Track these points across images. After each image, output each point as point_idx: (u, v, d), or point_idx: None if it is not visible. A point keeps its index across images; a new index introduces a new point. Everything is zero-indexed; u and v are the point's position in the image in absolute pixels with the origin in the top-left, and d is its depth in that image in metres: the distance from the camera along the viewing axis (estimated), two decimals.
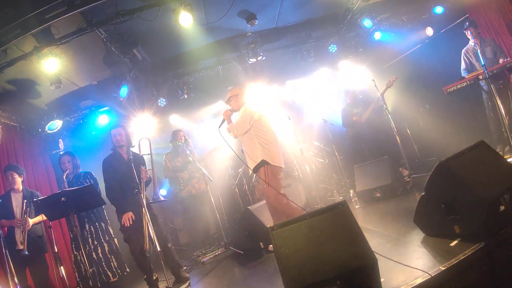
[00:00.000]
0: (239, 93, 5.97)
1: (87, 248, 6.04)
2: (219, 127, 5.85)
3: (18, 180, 5.91)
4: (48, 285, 5.96)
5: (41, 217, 5.83)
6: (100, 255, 6.14)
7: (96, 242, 6.17)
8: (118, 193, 5.40)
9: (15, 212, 5.65)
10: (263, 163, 5.47)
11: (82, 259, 5.91)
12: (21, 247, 5.41)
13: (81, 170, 6.53)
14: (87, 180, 6.26)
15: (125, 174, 5.36)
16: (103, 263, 6.13)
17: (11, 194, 5.79)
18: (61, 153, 7.90)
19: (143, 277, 5.45)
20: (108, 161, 5.58)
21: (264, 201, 6.62)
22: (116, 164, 5.51)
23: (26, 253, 5.36)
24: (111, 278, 6.14)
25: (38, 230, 5.91)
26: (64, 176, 6.17)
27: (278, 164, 5.54)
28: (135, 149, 5.82)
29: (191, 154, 7.64)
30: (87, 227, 6.16)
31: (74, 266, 6.11)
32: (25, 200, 5.72)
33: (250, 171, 5.90)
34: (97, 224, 6.28)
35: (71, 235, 6.22)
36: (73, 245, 6.20)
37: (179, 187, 8.02)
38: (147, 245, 5.05)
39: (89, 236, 6.14)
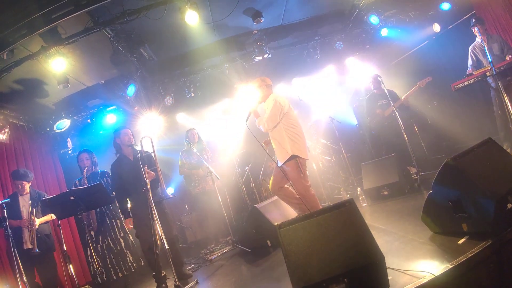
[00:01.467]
0: (262, 84, 5.87)
1: (104, 244, 6.13)
2: (246, 121, 5.80)
3: (27, 186, 6.00)
4: (56, 283, 6.02)
5: (49, 217, 5.93)
6: (115, 251, 6.25)
7: (110, 238, 6.25)
8: (121, 198, 5.56)
9: (22, 212, 5.73)
10: (293, 157, 5.39)
11: (94, 254, 6.01)
12: (29, 246, 5.51)
13: (98, 169, 6.60)
14: (104, 179, 6.34)
15: (130, 175, 5.40)
16: (119, 258, 6.23)
17: (18, 195, 5.87)
18: (69, 151, 7.97)
19: (145, 276, 5.51)
20: (114, 167, 5.71)
21: (271, 199, 6.65)
22: (122, 167, 5.61)
23: (37, 250, 5.45)
24: (125, 272, 6.26)
25: (45, 230, 5.99)
26: (85, 172, 6.25)
27: (306, 157, 5.52)
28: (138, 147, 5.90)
29: (205, 152, 7.86)
30: (104, 224, 6.26)
31: (90, 260, 6.18)
32: (31, 201, 5.80)
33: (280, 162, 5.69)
34: (113, 221, 6.39)
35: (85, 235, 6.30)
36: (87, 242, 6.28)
37: (193, 183, 8.06)
38: (159, 242, 5.09)
39: (105, 232, 6.24)
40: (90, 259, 6.20)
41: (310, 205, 5.28)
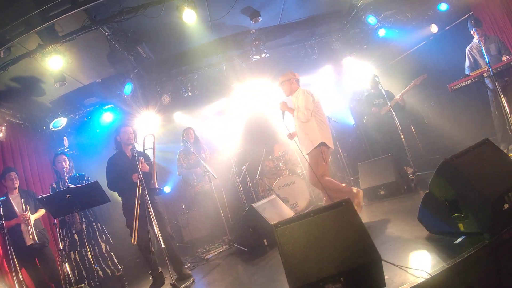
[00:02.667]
0: (291, 78, 6.05)
1: (85, 247, 6.11)
2: (283, 119, 6.03)
3: (17, 179, 6.04)
4: (58, 275, 6.02)
5: (41, 212, 6.02)
6: (98, 254, 6.25)
7: (93, 242, 6.26)
8: (120, 184, 5.58)
9: (17, 211, 5.74)
10: (322, 144, 5.66)
11: (78, 258, 6.05)
12: (31, 242, 5.56)
13: (74, 171, 6.63)
14: (83, 181, 6.33)
15: (126, 173, 5.39)
16: (101, 262, 6.23)
17: (8, 195, 5.87)
18: (65, 150, 7.95)
19: (141, 274, 5.53)
20: (110, 161, 5.73)
21: (268, 198, 6.66)
22: (119, 163, 5.61)
23: (38, 242, 5.56)
24: (110, 274, 6.25)
25: (39, 224, 6.01)
26: (65, 173, 6.27)
27: (332, 147, 5.88)
28: (139, 146, 5.91)
29: (203, 151, 7.97)
30: (84, 227, 6.23)
31: (73, 264, 6.16)
32: (23, 199, 5.82)
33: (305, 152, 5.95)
34: (94, 224, 6.38)
35: (67, 238, 6.28)
36: (68, 245, 6.26)
37: (192, 182, 8.13)
38: (155, 241, 5.12)
39: (88, 235, 6.21)
40: (73, 263, 6.17)
41: (330, 191, 5.64)
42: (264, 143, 9.79)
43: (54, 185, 6.41)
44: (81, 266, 6.17)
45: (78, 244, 6.13)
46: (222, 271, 5.61)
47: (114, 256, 6.41)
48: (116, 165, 5.62)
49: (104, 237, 6.46)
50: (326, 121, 5.96)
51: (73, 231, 6.19)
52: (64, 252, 6.10)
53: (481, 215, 3.10)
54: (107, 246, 6.43)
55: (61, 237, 6.24)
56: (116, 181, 5.55)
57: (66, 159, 6.55)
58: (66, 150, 8.15)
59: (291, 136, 6.28)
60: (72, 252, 6.20)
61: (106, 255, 6.36)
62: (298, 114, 5.78)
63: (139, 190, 5.06)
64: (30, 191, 6.27)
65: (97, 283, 6.08)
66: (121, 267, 6.47)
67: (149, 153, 5.85)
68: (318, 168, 5.67)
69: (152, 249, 5.41)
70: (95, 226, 6.41)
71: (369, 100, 8.40)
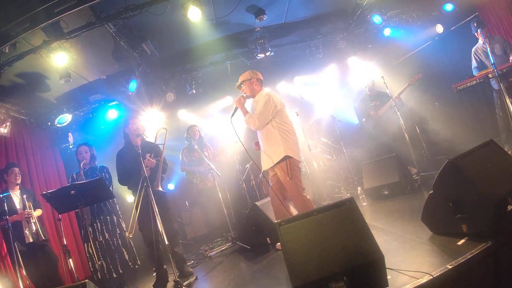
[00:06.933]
0: (252, 77, 5.33)
1: (100, 240, 6.08)
2: (232, 116, 5.28)
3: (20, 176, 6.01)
4: (58, 273, 6.02)
5: (39, 212, 5.98)
6: (113, 248, 6.18)
7: (107, 236, 6.20)
8: (124, 184, 5.68)
9: (17, 208, 5.72)
10: (286, 158, 4.93)
11: (91, 250, 6.00)
12: (31, 240, 5.57)
13: (97, 163, 6.53)
14: (102, 174, 6.25)
15: (134, 166, 5.37)
16: (116, 256, 6.17)
17: (10, 192, 5.82)
18: (70, 146, 7.96)
19: (143, 272, 5.51)
20: (119, 154, 5.73)
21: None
22: (127, 155, 5.59)
23: (44, 238, 5.63)
24: (121, 270, 6.18)
25: (37, 222, 6.00)
26: (82, 165, 6.20)
27: (299, 158, 5.08)
28: (149, 139, 6.00)
29: (206, 149, 8.07)
30: (100, 220, 6.19)
31: (87, 255, 6.15)
32: (25, 195, 5.83)
33: (265, 167, 5.28)
34: (108, 217, 6.30)
35: (82, 229, 6.27)
36: (82, 237, 6.25)
37: (195, 180, 8.15)
38: (154, 236, 5.14)
39: (101, 228, 6.17)
40: (87, 255, 6.16)
41: (300, 210, 4.98)
42: None
43: (74, 175, 6.27)
44: (95, 258, 6.15)
45: (91, 236, 6.10)
46: (224, 268, 5.61)
47: (126, 251, 6.34)
48: (124, 158, 5.61)
49: (119, 231, 6.38)
50: (293, 131, 5.14)
51: (83, 223, 6.17)
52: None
53: (485, 216, 3.10)
54: (122, 241, 6.36)
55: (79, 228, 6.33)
56: (126, 176, 5.55)
57: (88, 150, 6.37)
58: (70, 146, 8.18)
59: (258, 145, 5.52)
60: (85, 244, 6.17)
61: (121, 248, 6.29)
62: (248, 119, 5.18)
63: (141, 184, 5.09)
64: (30, 190, 6.23)
65: (108, 277, 6.07)
66: (132, 264, 6.40)
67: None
68: (288, 184, 4.98)
69: (160, 246, 5.42)
70: (109, 219, 6.32)
71: (366, 103, 8.46)
